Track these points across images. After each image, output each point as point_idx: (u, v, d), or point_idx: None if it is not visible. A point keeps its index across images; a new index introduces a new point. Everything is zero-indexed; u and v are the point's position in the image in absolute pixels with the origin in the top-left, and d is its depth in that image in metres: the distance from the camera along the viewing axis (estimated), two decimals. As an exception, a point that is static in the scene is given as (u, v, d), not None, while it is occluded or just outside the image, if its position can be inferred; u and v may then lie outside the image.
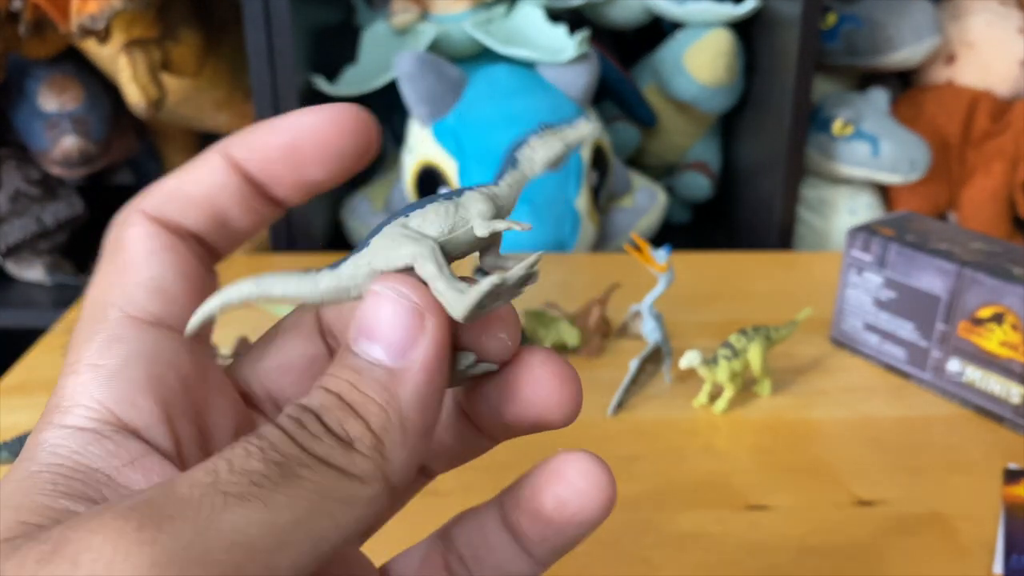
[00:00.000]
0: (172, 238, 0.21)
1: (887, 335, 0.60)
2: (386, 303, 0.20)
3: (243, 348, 0.52)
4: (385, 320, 0.20)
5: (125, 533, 0.15)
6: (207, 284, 0.22)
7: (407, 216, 0.21)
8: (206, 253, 0.22)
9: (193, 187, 0.21)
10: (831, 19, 1.01)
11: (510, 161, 0.22)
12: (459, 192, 0.21)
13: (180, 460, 0.20)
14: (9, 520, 0.17)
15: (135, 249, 0.21)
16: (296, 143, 0.21)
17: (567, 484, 0.21)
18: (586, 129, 0.22)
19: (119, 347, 0.20)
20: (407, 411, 0.19)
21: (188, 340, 0.21)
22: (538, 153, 0.22)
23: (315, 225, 0.90)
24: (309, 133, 0.21)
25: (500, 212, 0.22)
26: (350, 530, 0.18)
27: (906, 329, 0.58)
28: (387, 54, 0.90)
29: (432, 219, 0.21)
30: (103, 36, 0.77)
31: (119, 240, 0.21)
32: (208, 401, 0.21)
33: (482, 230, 0.21)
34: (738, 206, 1.03)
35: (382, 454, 0.19)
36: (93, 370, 0.20)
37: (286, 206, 0.23)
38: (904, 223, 0.62)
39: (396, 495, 0.19)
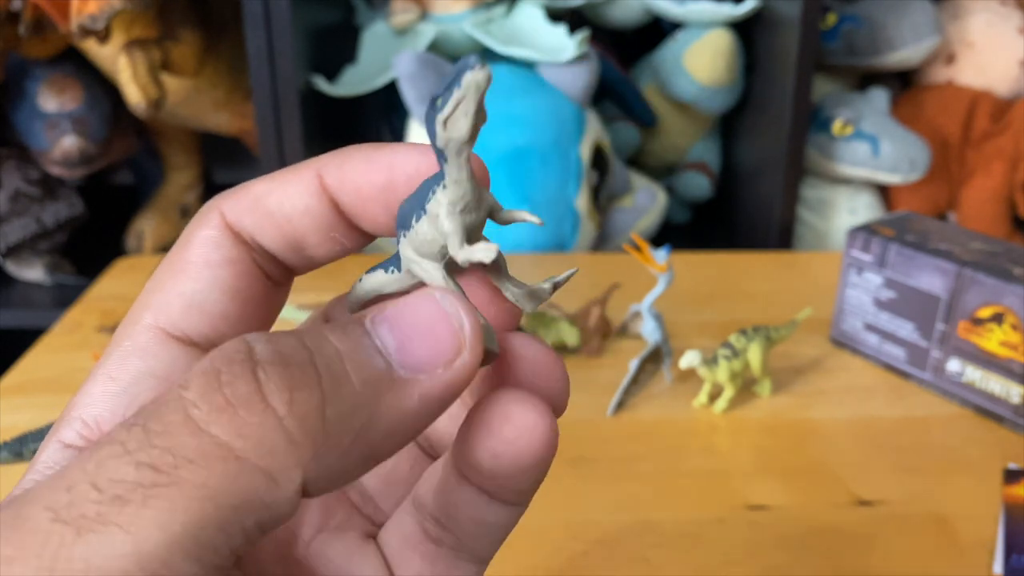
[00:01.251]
0: (238, 251, 0.20)
1: (887, 335, 0.60)
2: (434, 306, 0.18)
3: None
4: (421, 320, 0.17)
5: None
6: (265, 303, 0.21)
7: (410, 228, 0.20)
8: (277, 270, 0.21)
9: (277, 203, 0.20)
10: (831, 19, 1.01)
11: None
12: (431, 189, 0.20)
13: None
14: None
15: (193, 254, 0.20)
16: (393, 182, 0.20)
17: (495, 436, 0.19)
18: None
19: (135, 362, 0.19)
20: (377, 422, 0.16)
21: None
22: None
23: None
24: (406, 174, 0.20)
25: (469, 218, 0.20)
26: (254, 538, 0.15)
27: (906, 329, 0.58)
28: (387, 54, 0.90)
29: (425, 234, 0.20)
30: (103, 36, 0.77)
31: (187, 237, 0.20)
32: None
33: (461, 258, 0.19)
34: (738, 206, 1.03)
35: (316, 443, 0.15)
36: (105, 382, 0.19)
37: (370, 240, 0.22)
38: (904, 223, 0.62)
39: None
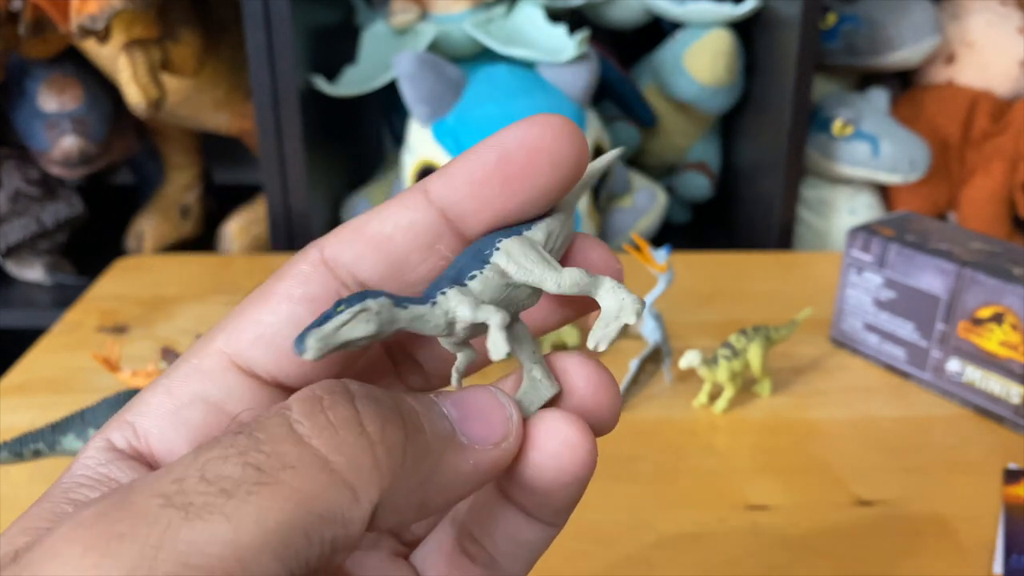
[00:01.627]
0: (324, 289, 0.20)
1: (887, 335, 0.60)
2: (488, 394, 0.20)
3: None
4: (478, 401, 0.20)
5: (71, 559, 0.14)
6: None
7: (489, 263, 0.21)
8: None
9: (378, 225, 0.21)
10: (831, 19, 1.01)
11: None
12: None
13: None
14: (17, 527, 0.17)
15: (279, 286, 0.20)
16: (506, 157, 0.20)
17: (539, 448, 0.20)
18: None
19: (195, 384, 0.20)
20: (439, 477, 0.18)
21: (268, 396, 0.20)
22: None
23: (315, 225, 0.90)
24: (517, 145, 0.20)
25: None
26: (326, 556, 0.16)
27: (906, 329, 0.58)
28: (387, 54, 0.90)
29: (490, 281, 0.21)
30: (103, 36, 0.77)
31: (282, 269, 0.21)
32: None
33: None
34: (738, 206, 1.03)
35: (388, 473, 0.17)
36: (163, 395, 0.20)
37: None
38: (904, 223, 0.62)
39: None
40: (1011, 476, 0.49)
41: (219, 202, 1.09)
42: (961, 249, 0.57)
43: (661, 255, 0.55)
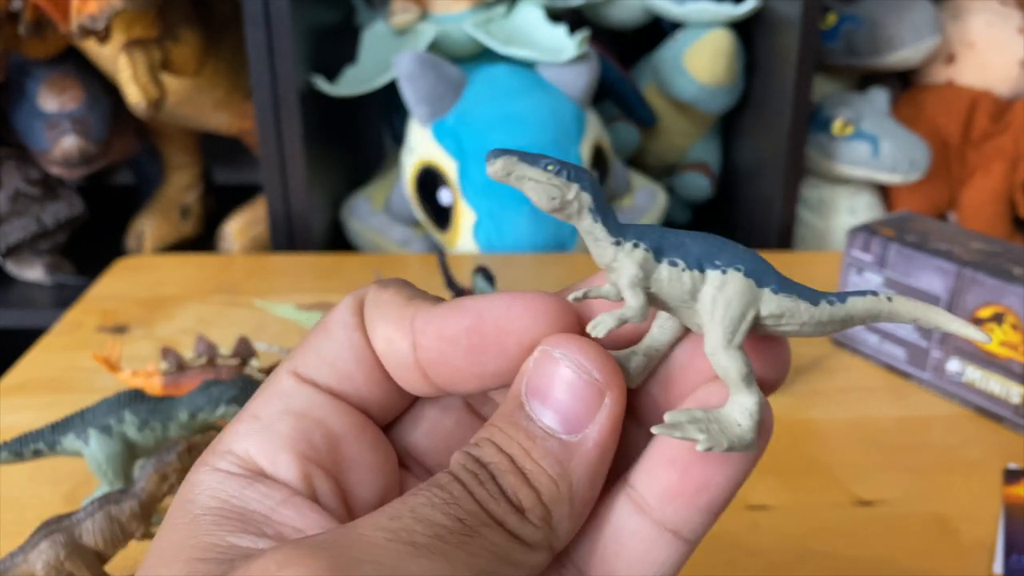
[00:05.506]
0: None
1: (887, 335, 0.60)
2: (564, 371, 0.20)
3: (243, 348, 0.52)
4: (562, 389, 0.20)
5: (316, 571, 0.16)
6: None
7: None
8: None
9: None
10: (831, 19, 1.01)
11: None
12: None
13: (324, 510, 0.21)
14: (183, 559, 0.19)
15: (336, 314, 0.22)
16: (476, 328, 0.21)
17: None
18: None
19: (276, 402, 0.21)
20: (577, 486, 0.20)
21: (341, 407, 0.22)
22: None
23: (315, 225, 0.90)
24: (492, 319, 0.21)
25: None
26: None
27: (906, 329, 0.58)
28: (387, 54, 0.90)
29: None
30: (103, 36, 0.77)
31: (338, 305, 0.23)
32: (357, 458, 0.22)
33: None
34: (738, 206, 1.03)
35: (550, 524, 0.19)
36: (250, 421, 0.21)
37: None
38: (904, 223, 0.62)
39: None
40: (1011, 476, 0.49)
41: (219, 202, 1.09)
42: (961, 249, 0.57)
43: (661, 255, 0.55)
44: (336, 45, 0.96)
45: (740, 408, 0.19)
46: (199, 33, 0.88)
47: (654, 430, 0.19)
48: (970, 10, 1.02)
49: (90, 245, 1.01)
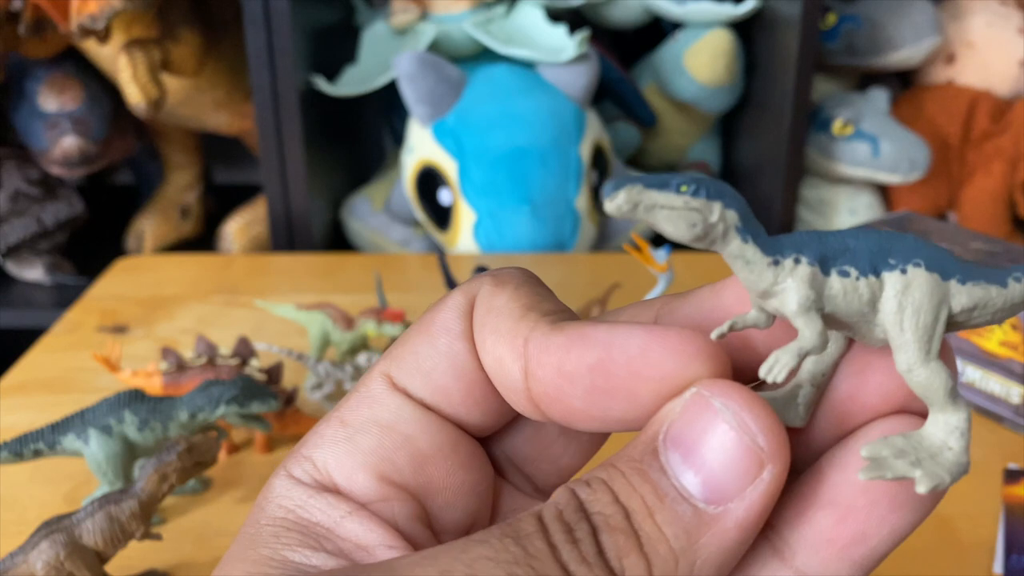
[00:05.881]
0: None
1: (887, 335, 0.60)
2: (722, 427, 0.16)
3: (243, 348, 0.52)
4: (714, 447, 0.16)
5: None
6: (493, 395, 0.20)
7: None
8: None
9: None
10: (831, 19, 1.01)
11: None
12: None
13: (394, 528, 0.19)
14: (239, 571, 0.18)
15: (440, 316, 0.20)
16: (603, 368, 0.17)
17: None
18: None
19: (364, 409, 0.20)
20: (701, 568, 0.16)
21: (432, 420, 0.20)
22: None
23: (315, 225, 0.90)
24: (625, 360, 0.17)
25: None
26: None
27: (906, 329, 0.58)
28: (387, 54, 0.90)
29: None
30: (103, 36, 0.77)
31: (443, 299, 0.20)
32: (445, 480, 0.20)
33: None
34: (738, 206, 1.03)
35: None
36: (336, 426, 0.20)
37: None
38: (904, 223, 0.62)
39: None
40: (1011, 476, 0.49)
41: (219, 202, 1.09)
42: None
43: (661, 255, 0.55)
44: (336, 45, 0.96)
45: (946, 427, 0.16)
46: (199, 33, 0.88)
47: (862, 476, 0.16)
48: (970, 10, 1.02)
49: (90, 245, 1.01)
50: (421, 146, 0.87)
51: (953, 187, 1.04)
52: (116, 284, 0.75)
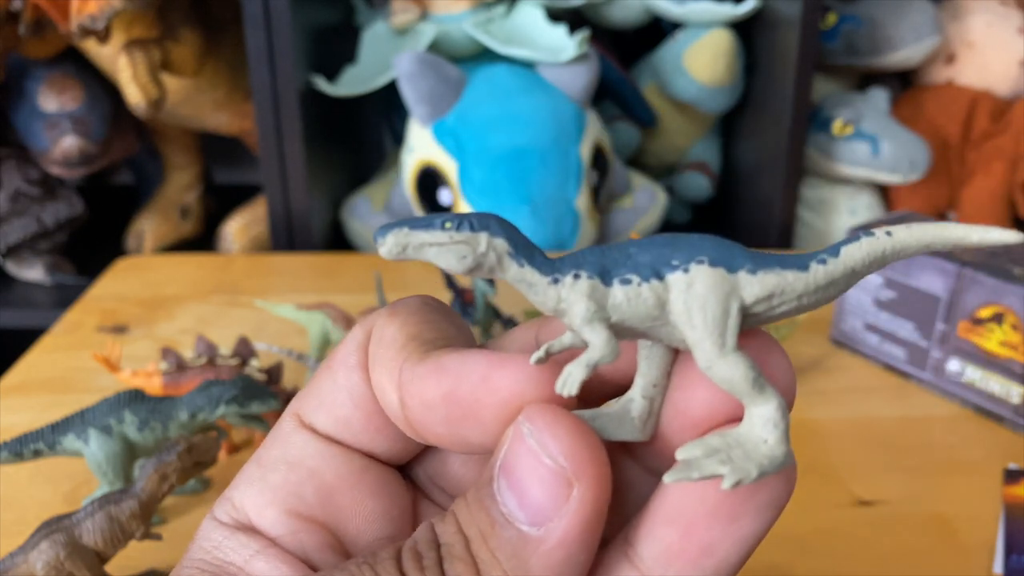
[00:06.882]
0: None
1: (887, 335, 0.60)
2: (530, 452, 0.17)
3: (243, 348, 0.52)
4: (527, 472, 0.17)
5: None
6: (391, 426, 0.21)
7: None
8: None
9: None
10: (831, 19, 1.01)
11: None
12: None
13: (305, 560, 0.20)
14: None
15: (339, 354, 0.21)
16: (453, 397, 0.18)
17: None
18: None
19: (273, 450, 0.21)
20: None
21: (337, 454, 0.20)
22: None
23: (315, 225, 0.90)
24: (469, 388, 0.18)
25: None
26: None
27: (906, 329, 0.58)
28: (387, 54, 0.90)
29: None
30: (103, 36, 0.77)
31: (340, 347, 0.21)
32: (355, 508, 0.20)
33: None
34: (738, 206, 1.03)
35: None
36: (254, 464, 0.21)
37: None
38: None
39: None
40: (1011, 476, 0.49)
41: (219, 202, 1.09)
42: (961, 249, 0.57)
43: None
44: (336, 45, 0.96)
45: (761, 420, 0.17)
46: (199, 33, 0.88)
47: (667, 479, 0.16)
48: (970, 10, 1.02)
49: (90, 245, 1.01)
50: (421, 146, 0.87)
51: (953, 187, 1.04)
52: (116, 284, 0.75)
